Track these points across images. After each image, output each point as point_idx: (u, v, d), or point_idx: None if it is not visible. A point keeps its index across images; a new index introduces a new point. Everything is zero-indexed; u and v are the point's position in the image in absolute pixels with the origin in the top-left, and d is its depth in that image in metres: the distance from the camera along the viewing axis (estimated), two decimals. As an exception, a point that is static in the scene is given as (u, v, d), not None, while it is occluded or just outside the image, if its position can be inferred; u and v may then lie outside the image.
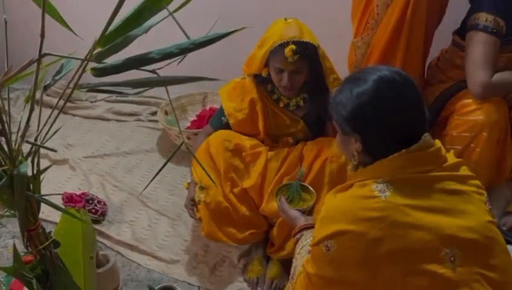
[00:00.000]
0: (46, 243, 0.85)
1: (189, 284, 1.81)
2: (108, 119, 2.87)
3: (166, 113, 2.63)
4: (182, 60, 0.80)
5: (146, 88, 0.72)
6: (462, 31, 1.96)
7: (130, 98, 2.95)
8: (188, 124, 2.63)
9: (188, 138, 2.42)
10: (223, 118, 1.91)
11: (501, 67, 1.88)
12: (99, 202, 2.15)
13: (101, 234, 2.02)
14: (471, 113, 1.89)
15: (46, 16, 0.76)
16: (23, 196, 0.77)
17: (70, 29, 0.78)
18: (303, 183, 1.63)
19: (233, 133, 1.86)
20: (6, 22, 0.82)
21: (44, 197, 0.81)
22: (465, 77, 1.92)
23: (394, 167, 1.07)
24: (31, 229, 0.84)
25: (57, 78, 0.85)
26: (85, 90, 0.75)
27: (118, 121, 2.86)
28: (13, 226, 2.10)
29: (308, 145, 1.83)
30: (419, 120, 1.13)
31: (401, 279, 1.02)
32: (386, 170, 1.08)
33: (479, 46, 1.84)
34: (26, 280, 0.83)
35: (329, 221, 1.09)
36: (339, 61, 1.97)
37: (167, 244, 1.99)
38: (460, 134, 1.93)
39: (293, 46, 1.64)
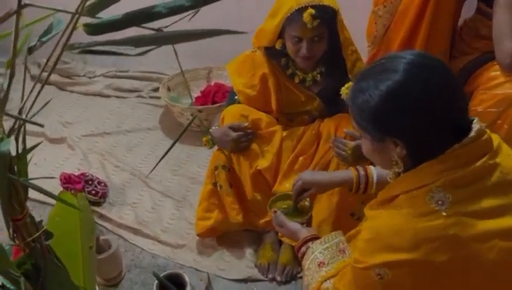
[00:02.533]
0: (36, 235, 0.72)
1: (196, 270, 1.71)
2: (107, 96, 2.73)
3: (168, 89, 2.49)
4: (194, 15, 0.66)
5: (151, 47, 0.58)
6: (488, -3, 1.82)
7: (130, 73, 2.81)
8: (192, 101, 2.49)
9: (193, 115, 2.28)
10: (235, 98, 1.77)
11: (532, 37, 1.74)
12: (99, 183, 2.03)
13: (102, 217, 1.91)
14: (498, 87, 1.76)
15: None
16: (5, 180, 0.64)
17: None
18: None
19: (249, 107, 1.73)
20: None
21: (33, 181, 0.68)
22: (491, 48, 1.79)
23: (446, 167, 0.90)
24: (17, 218, 0.71)
25: (44, 39, 0.71)
26: (76, 51, 0.61)
27: (118, 97, 2.73)
28: None
29: (326, 123, 1.70)
30: (462, 104, 0.96)
31: None
32: (437, 173, 0.91)
33: (507, 12, 1.70)
34: (12, 278, 0.71)
35: (381, 245, 0.92)
36: (356, 31, 1.81)
37: (172, 228, 1.88)
38: (486, 109, 1.79)
39: (312, 10, 1.49)
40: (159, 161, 0.77)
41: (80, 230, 0.99)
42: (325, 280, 1.15)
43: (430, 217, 0.88)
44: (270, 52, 1.71)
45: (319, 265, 1.19)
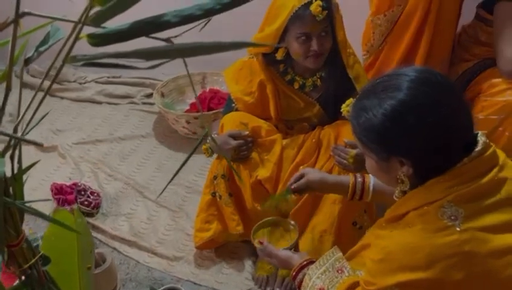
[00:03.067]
0: (33, 261, 0.67)
1: (194, 283, 1.66)
2: (99, 102, 2.67)
3: (162, 95, 2.43)
4: (205, 25, 0.61)
5: (164, 61, 0.53)
6: (488, 4, 1.81)
7: (122, 79, 2.75)
8: (187, 107, 2.44)
9: (188, 122, 2.23)
10: (233, 105, 1.73)
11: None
12: (92, 193, 1.96)
13: (95, 228, 1.85)
14: (500, 94, 1.76)
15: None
16: (1, 204, 0.58)
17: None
18: (277, 218, 1.46)
19: (248, 114, 1.69)
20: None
21: (29, 205, 0.62)
22: (490, 54, 1.81)
23: (456, 183, 0.88)
24: (13, 244, 0.65)
25: (41, 49, 0.66)
26: (80, 63, 0.56)
27: (109, 104, 2.67)
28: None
29: (326, 130, 1.66)
30: (469, 121, 0.94)
31: None
32: (446, 188, 0.89)
33: (509, 18, 1.69)
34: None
35: (394, 266, 0.89)
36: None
37: (169, 239, 1.82)
38: (488, 116, 1.79)
39: (319, 1, 1.47)
40: (170, 181, 0.71)
41: (77, 250, 0.93)
42: None
43: (444, 233, 0.85)
44: (268, 59, 1.67)
45: None
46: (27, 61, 0.62)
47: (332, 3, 1.53)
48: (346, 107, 1.54)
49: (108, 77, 2.76)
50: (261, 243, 1.35)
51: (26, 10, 0.52)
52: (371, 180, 1.36)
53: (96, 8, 0.55)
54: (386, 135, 0.91)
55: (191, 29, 0.62)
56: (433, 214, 0.87)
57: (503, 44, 1.71)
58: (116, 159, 2.25)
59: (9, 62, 0.53)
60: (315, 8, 1.47)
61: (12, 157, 0.63)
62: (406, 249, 0.88)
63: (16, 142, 0.62)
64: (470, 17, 1.94)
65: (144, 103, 2.64)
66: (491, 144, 0.94)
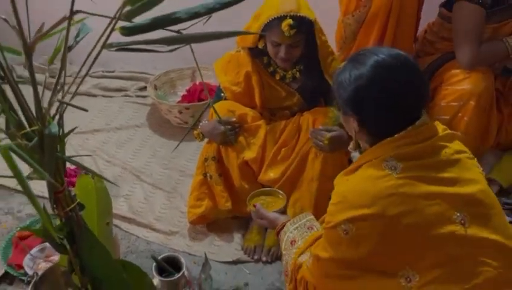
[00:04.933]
0: (73, 205, 0.86)
1: (189, 254, 1.84)
2: (95, 95, 2.83)
3: (155, 88, 2.61)
4: (208, 19, 0.80)
5: (179, 45, 0.73)
6: (449, 3, 2.02)
7: (116, 73, 2.91)
8: (179, 99, 2.62)
9: (180, 112, 2.42)
10: (222, 94, 1.91)
11: (486, 38, 1.94)
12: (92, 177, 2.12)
13: (97, 208, 2.02)
14: (459, 83, 1.96)
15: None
16: (54, 157, 0.77)
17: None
18: (270, 188, 1.70)
19: (235, 103, 1.88)
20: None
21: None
22: (452, 48, 1.99)
23: (400, 144, 1.10)
24: (58, 191, 0.84)
25: (78, 39, 0.84)
26: (114, 49, 0.75)
27: (105, 96, 2.83)
28: (5, 203, 2.07)
29: (305, 116, 1.85)
30: (417, 102, 1.15)
31: (420, 249, 1.06)
32: (392, 148, 1.11)
33: (465, 16, 1.90)
34: (55, 241, 0.84)
35: (345, 205, 1.10)
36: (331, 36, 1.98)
37: (165, 217, 2.00)
38: (449, 103, 1.99)
39: (290, 21, 1.62)
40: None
41: (96, 209, 1.12)
42: (299, 256, 1.32)
43: (385, 179, 1.07)
44: (253, 52, 1.85)
45: (291, 243, 1.37)
46: (70, 49, 0.81)
47: (305, 22, 1.66)
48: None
49: (103, 71, 2.92)
50: (254, 206, 1.57)
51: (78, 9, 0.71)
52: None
53: (128, 7, 0.74)
54: (347, 96, 1.14)
55: (196, 23, 0.82)
56: (378, 165, 1.09)
57: (460, 39, 1.92)
58: (113, 147, 2.41)
59: (64, 46, 0.72)
60: (284, 25, 1.62)
61: (58, 122, 0.82)
62: (355, 192, 1.10)
63: (62, 109, 0.80)
64: (435, 15, 2.16)
65: (138, 96, 2.81)
66: (432, 121, 1.17)
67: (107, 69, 2.94)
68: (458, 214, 1.07)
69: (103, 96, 2.83)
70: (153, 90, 2.57)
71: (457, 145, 1.18)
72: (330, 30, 1.82)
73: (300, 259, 1.30)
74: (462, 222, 1.07)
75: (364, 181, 1.10)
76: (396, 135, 1.10)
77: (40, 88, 0.80)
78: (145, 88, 2.74)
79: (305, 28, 1.68)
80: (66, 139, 0.86)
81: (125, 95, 2.82)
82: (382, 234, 1.07)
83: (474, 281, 1.04)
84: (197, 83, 2.69)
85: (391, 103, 1.11)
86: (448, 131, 1.18)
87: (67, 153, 2.39)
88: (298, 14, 1.64)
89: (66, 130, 0.85)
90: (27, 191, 0.57)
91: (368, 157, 1.14)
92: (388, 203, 1.05)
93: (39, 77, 2.59)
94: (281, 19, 1.64)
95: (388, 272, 1.09)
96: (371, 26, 2.06)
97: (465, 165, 1.14)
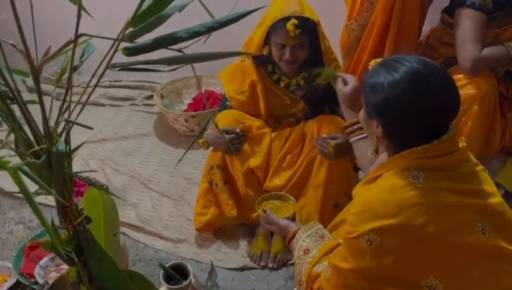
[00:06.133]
0: (80, 219, 0.89)
1: (196, 261, 1.87)
2: (103, 105, 2.88)
3: (162, 96, 2.65)
4: (207, 38, 0.83)
5: (180, 65, 0.76)
6: (451, 9, 2.03)
7: (123, 82, 2.95)
8: (185, 107, 2.65)
9: (186, 121, 2.45)
10: (227, 103, 1.94)
11: (488, 43, 1.95)
12: (101, 186, 2.17)
13: (106, 217, 2.05)
14: (462, 88, 1.95)
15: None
16: (62, 173, 0.80)
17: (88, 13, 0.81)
18: (279, 192, 1.70)
19: (241, 113, 1.90)
20: (31, 5, 0.84)
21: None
22: (455, 54, 1.98)
23: (423, 156, 1.10)
24: (66, 205, 0.87)
25: (83, 59, 0.88)
26: (117, 69, 0.78)
27: (112, 106, 2.88)
28: (16, 212, 2.12)
29: (309, 124, 1.88)
30: (447, 118, 1.12)
31: (443, 257, 1.07)
32: (415, 158, 1.10)
33: (467, 22, 1.90)
34: (63, 254, 0.87)
35: (369, 215, 1.08)
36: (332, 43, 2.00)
37: (172, 225, 2.03)
38: (452, 109, 2.00)
39: (294, 21, 1.65)
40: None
41: (103, 220, 1.15)
42: (314, 265, 1.30)
43: (409, 188, 1.07)
44: (258, 60, 1.88)
45: (304, 252, 1.36)
46: (75, 68, 0.84)
47: (309, 22, 1.70)
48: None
49: (110, 81, 2.97)
50: (264, 211, 1.56)
51: (81, 32, 0.74)
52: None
53: (130, 29, 0.77)
54: (377, 100, 1.12)
55: (196, 41, 0.85)
56: (400, 174, 1.09)
57: (462, 44, 1.93)
58: (121, 156, 2.46)
59: (70, 68, 0.75)
60: (289, 25, 1.65)
61: (65, 139, 0.85)
62: (379, 202, 1.08)
63: (68, 127, 0.83)
64: (437, 21, 2.17)
65: (145, 105, 2.86)
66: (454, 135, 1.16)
67: (114, 79, 2.99)
68: (479, 224, 1.08)
69: (111, 105, 2.88)
70: (160, 99, 2.61)
71: (473, 157, 1.19)
72: (332, 37, 1.83)
73: (317, 269, 1.29)
74: (483, 231, 1.08)
75: (388, 190, 1.09)
76: (419, 147, 1.10)
77: (48, 104, 0.83)
78: (151, 97, 2.78)
79: (309, 29, 1.71)
80: (73, 154, 0.89)
81: (133, 104, 2.87)
82: (407, 243, 1.06)
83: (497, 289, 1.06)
84: (203, 91, 2.72)
85: (421, 117, 1.09)
86: (464, 144, 1.19)
87: (77, 163, 2.46)
88: (302, 15, 1.68)
89: (75, 141, 0.87)
90: (34, 208, 0.60)
91: (389, 167, 1.13)
92: (413, 213, 1.04)
93: (49, 87, 2.62)
94: (285, 19, 1.68)
95: (411, 282, 1.08)
96: (373, 31, 2.07)
97: (483, 177, 1.15)
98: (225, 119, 1.87)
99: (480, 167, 1.17)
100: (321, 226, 1.47)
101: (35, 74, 0.71)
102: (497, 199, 1.14)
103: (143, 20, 0.77)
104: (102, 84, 2.97)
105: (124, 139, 2.59)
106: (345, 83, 1.62)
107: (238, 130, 1.84)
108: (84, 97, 0.84)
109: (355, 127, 1.58)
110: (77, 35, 0.72)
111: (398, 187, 1.07)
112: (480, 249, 1.07)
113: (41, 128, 0.82)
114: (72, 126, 0.83)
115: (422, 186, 1.06)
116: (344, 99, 1.61)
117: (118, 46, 0.77)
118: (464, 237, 1.07)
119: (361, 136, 1.57)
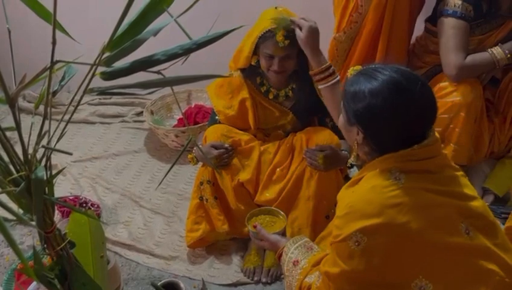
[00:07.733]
0: (63, 244, 0.88)
1: (189, 278, 1.85)
2: (93, 123, 2.87)
3: (152, 113, 2.65)
4: (185, 60, 0.83)
5: (156, 89, 0.76)
6: (434, 18, 2.06)
7: (113, 100, 2.95)
8: (175, 122, 2.65)
9: (177, 136, 2.45)
10: (216, 117, 1.95)
11: (472, 49, 1.97)
12: (92, 204, 2.16)
13: (97, 236, 2.04)
14: (448, 95, 1.98)
15: (44, 24, 0.79)
16: (42, 200, 0.79)
17: (70, 36, 0.81)
18: (268, 207, 1.70)
19: (229, 127, 1.90)
20: (9, 32, 0.84)
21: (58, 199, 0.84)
22: (439, 61, 2.01)
23: (404, 159, 1.11)
24: (48, 231, 0.87)
25: (62, 83, 0.88)
26: (95, 93, 0.78)
27: (102, 123, 2.87)
28: (7, 235, 2.09)
29: (298, 136, 1.88)
30: (426, 125, 1.15)
31: (430, 257, 1.08)
32: (396, 161, 1.12)
33: (450, 30, 1.94)
34: (47, 280, 0.86)
35: (354, 216, 1.09)
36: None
37: (164, 242, 2.02)
38: (440, 116, 2.00)
39: (284, 31, 1.67)
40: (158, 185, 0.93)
41: (90, 242, 1.14)
42: (305, 277, 1.30)
43: (391, 189, 1.09)
44: (246, 73, 1.89)
45: (293, 263, 1.36)
46: (54, 93, 0.84)
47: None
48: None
49: (100, 99, 2.96)
50: (254, 227, 1.56)
51: (57, 59, 0.74)
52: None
53: (107, 54, 0.77)
54: (357, 108, 1.14)
55: (175, 63, 0.85)
56: (382, 175, 1.11)
57: (446, 52, 1.95)
58: (112, 174, 2.44)
59: (46, 94, 0.75)
60: (279, 36, 1.68)
61: (45, 165, 0.85)
62: (363, 202, 1.09)
63: (48, 153, 0.83)
64: (422, 30, 2.20)
65: (135, 121, 2.85)
66: (438, 138, 1.17)
67: (103, 97, 2.99)
68: (463, 225, 1.10)
69: (101, 123, 2.87)
70: (150, 115, 2.61)
71: (454, 164, 1.21)
72: (321, 48, 1.84)
73: (308, 280, 1.29)
74: (467, 232, 1.10)
75: (371, 190, 1.11)
76: (400, 151, 1.12)
77: (28, 129, 0.83)
78: (142, 113, 2.78)
79: (297, 41, 1.71)
80: (55, 179, 0.88)
81: (123, 121, 2.87)
82: (394, 242, 1.07)
83: (484, 288, 1.06)
84: (193, 105, 2.72)
85: (401, 124, 1.11)
86: (450, 150, 1.22)
87: (68, 183, 2.42)
88: (291, 27, 1.69)
89: (64, 160, 0.87)
90: (8, 240, 0.60)
91: (371, 169, 1.15)
92: (396, 212, 1.06)
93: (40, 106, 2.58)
94: (275, 30, 1.69)
95: (401, 284, 1.09)
96: (362, 41, 2.09)
97: (464, 182, 1.17)
98: (213, 134, 1.87)
99: (460, 173, 1.19)
100: (308, 239, 1.47)
101: (11, 102, 0.71)
102: (478, 203, 1.15)
103: (119, 44, 0.77)
104: (92, 102, 2.98)
105: (115, 156, 2.58)
106: (300, 29, 1.64)
107: (227, 145, 1.84)
108: (67, 117, 0.83)
109: (323, 75, 1.63)
110: (53, 62, 0.72)
111: (380, 187, 1.10)
112: (466, 248, 1.08)
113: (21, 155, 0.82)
114: (51, 153, 0.83)
115: (404, 186, 1.09)
116: (303, 45, 1.64)
117: (95, 71, 0.77)
118: (447, 236, 1.08)
119: (330, 82, 1.63)
